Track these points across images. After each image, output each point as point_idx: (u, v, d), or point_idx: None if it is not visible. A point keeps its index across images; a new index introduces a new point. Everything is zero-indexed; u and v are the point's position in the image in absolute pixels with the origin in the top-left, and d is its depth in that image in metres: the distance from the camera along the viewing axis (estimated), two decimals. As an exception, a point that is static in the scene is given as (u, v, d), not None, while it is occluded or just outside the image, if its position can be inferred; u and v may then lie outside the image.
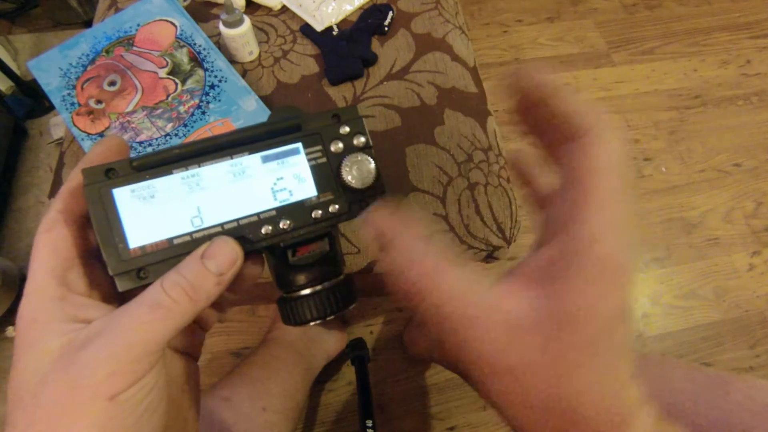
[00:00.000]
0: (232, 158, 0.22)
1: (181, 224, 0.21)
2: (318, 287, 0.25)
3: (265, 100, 0.56)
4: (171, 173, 0.22)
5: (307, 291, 0.25)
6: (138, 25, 0.58)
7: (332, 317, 0.25)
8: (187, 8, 0.61)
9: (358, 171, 0.23)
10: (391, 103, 0.57)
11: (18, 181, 1.09)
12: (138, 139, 0.52)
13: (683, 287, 1.00)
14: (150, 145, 0.52)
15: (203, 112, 0.53)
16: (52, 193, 0.53)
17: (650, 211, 1.08)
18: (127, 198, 0.21)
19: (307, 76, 0.59)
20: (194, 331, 0.26)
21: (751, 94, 1.25)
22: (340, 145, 0.24)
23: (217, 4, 0.65)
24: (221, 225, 0.22)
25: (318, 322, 0.25)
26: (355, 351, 0.84)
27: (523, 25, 1.36)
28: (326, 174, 0.24)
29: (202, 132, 0.52)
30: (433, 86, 0.58)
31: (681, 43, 1.34)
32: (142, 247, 0.21)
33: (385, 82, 0.59)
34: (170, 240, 0.21)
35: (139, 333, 0.18)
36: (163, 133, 0.52)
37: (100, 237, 0.20)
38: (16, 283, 0.89)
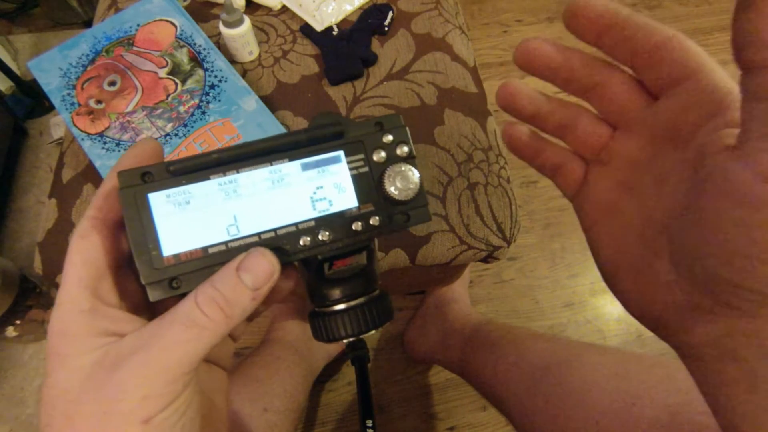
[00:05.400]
0: (271, 165, 0.21)
1: (217, 233, 0.20)
2: (353, 303, 0.24)
3: (265, 100, 0.56)
4: (208, 179, 0.21)
5: (341, 306, 0.24)
6: (138, 25, 0.58)
7: (367, 334, 0.24)
8: (187, 8, 0.61)
9: (401, 182, 0.22)
10: (391, 103, 0.57)
11: (18, 181, 1.09)
12: (138, 140, 0.52)
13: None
14: (150, 145, 0.51)
15: (203, 112, 0.53)
16: (53, 193, 0.53)
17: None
18: (162, 203, 0.20)
19: (307, 76, 0.59)
20: (224, 342, 0.25)
21: (751, 94, 1.25)
22: (383, 154, 0.23)
23: (217, 4, 0.65)
24: (258, 235, 0.21)
25: (352, 339, 0.24)
26: (355, 351, 0.84)
27: (523, 25, 1.36)
28: (368, 184, 0.23)
29: (202, 132, 0.52)
30: (433, 86, 0.58)
31: (681, 43, 1.33)
32: (176, 256, 0.20)
33: (385, 82, 0.59)
34: (205, 249, 0.20)
35: (174, 354, 0.18)
36: (163, 133, 0.52)
37: (133, 244, 0.20)
38: (16, 283, 0.89)
